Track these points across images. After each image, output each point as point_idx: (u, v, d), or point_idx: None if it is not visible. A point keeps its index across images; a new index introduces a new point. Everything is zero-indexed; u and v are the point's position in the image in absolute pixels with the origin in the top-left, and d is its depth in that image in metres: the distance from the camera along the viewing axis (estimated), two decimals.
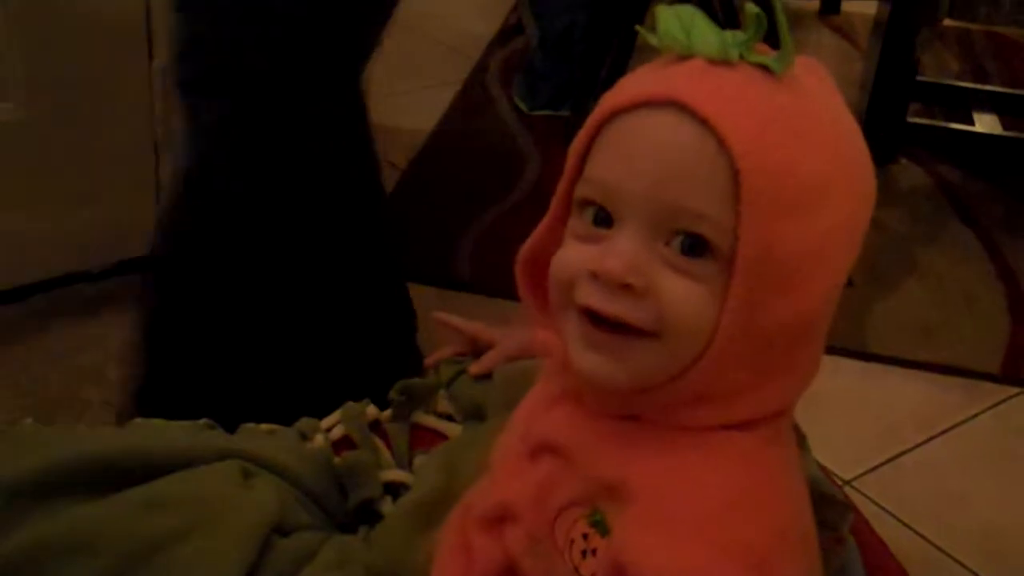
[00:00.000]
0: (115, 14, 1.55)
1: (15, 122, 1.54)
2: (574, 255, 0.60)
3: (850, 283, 1.93)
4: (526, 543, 0.64)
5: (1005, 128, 2.22)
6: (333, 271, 1.25)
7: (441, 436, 0.90)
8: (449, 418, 0.92)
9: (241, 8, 1.09)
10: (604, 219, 0.59)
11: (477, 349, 0.95)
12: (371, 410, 0.91)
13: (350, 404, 0.91)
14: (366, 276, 1.30)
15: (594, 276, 0.58)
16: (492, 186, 1.99)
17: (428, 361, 0.97)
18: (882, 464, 1.46)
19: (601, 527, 0.61)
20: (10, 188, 1.56)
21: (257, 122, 1.15)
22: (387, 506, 0.84)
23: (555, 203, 0.64)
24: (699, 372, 0.58)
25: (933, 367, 1.65)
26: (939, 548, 1.33)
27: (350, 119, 1.21)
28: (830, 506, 0.77)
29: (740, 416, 0.60)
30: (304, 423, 0.89)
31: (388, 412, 0.92)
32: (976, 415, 1.57)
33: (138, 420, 0.87)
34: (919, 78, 2.22)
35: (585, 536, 0.62)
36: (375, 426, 0.91)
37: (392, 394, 0.92)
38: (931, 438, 1.52)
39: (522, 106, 2.26)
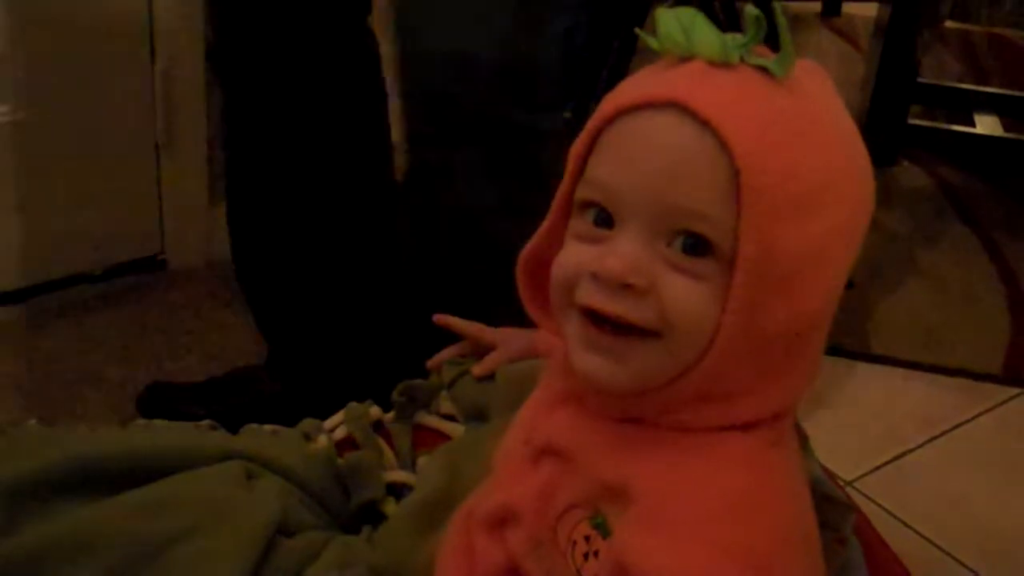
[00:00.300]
0: (117, 16, 1.55)
1: (16, 123, 1.54)
2: (575, 256, 0.60)
3: (851, 285, 1.93)
4: (528, 545, 0.64)
5: (1006, 129, 2.22)
6: (336, 243, 1.25)
7: (444, 437, 0.90)
8: (452, 419, 0.92)
9: None
10: (605, 220, 0.59)
11: (479, 350, 0.95)
12: (374, 411, 0.91)
13: (353, 405, 0.91)
14: (372, 258, 1.30)
15: (595, 276, 0.58)
16: None
17: (430, 363, 0.97)
18: (883, 465, 1.46)
19: (603, 529, 0.61)
20: (11, 190, 1.57)
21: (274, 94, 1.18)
22: (390, 507, 0.84)
23: (556, 205, 0.64)
24: (700, 373, 0.58)
25: (934, 368, 1.65)
26: (940, 548, 1.33)
27: (358, 75, 1.22)
28: (832, 507, 0.77)
29: (742, 417, 0.60)
30: (307, 424, 0.89)
31: (391, 413, 0.92)
32: (977, 416, 1.57)
33: (140, 421, 0.87)
34: (920, 80, 2.22)
35: (587, 538, 0.62)
36: (378, 427, 0.91)
37: (394, 395, 0.92)
38: (932, 438, 1.52)
39: None
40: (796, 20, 2.69)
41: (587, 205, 0.60)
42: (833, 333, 0.63)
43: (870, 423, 1.53)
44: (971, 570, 1.31)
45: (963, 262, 1.91)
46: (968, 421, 1.56)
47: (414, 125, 1.17)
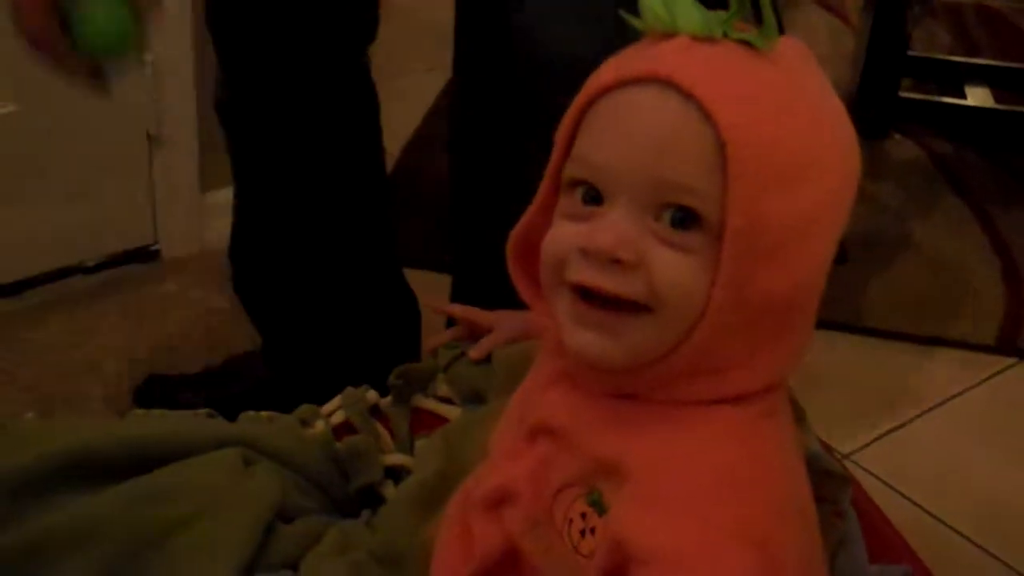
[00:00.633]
0: None
1: (9, 117, 1.54)
2: (564, 234, 0.60)
3: (845, 259, 1.93)
4: (525, 524, 0.64)
5: (997, 101, 2.22)
6: (337, 257, 1.26)
7: (441, 419, 0.90)
8: (449, 402, 0.92)
9: None
10: (594, 197, 0.60)
11: (475, 333, 0.95)
12: (371, 395, 0.92)
13: (350, 389, 0.92)
14: (368, 264, 1.31)
15: (585, 252, 0.58)
16: None
17: (427, 346, 0.98)
18: (879, 437, 1.47)
19: (599, 506, 0.61)
20: (4, 183, 1.56)
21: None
22: (389, 490, 0.85)
23: (544, 184, 0.64)
24: (691, 346, 0.58)
25: (929, 340, 1.66)
26: (937, 518, 1.34)
27: (358, 105, 1.23)
28: (830, 480, 0.77)
29: (734, 389, 0.60)
30: (304, 409, 0.89)
31: (388, 397, 0.92)
32: (972, 387, 1.58)
33: (138, 411, 0.87)
34: (910, 53, 2.22)
35: (583, 515, 0.62)
36: (375, 411, 0.91)
37: (391, 379, 0.92)
38: (928, 410, 1.53)
39: None
40: None
41: (575, 183, 0.60)
42: (827, 307, 0.63)
43: (865, 396, 1.54)
44: (967, 539, 1.32)
45: (956, 234, 1.91)
46: (963, 392, 1.57)
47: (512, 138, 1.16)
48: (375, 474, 0.85)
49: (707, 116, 0.56)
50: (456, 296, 1.23)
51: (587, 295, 0.59)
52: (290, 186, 1.25)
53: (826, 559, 0.68)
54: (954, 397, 1.55)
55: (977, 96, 2.23)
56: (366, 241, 1.31)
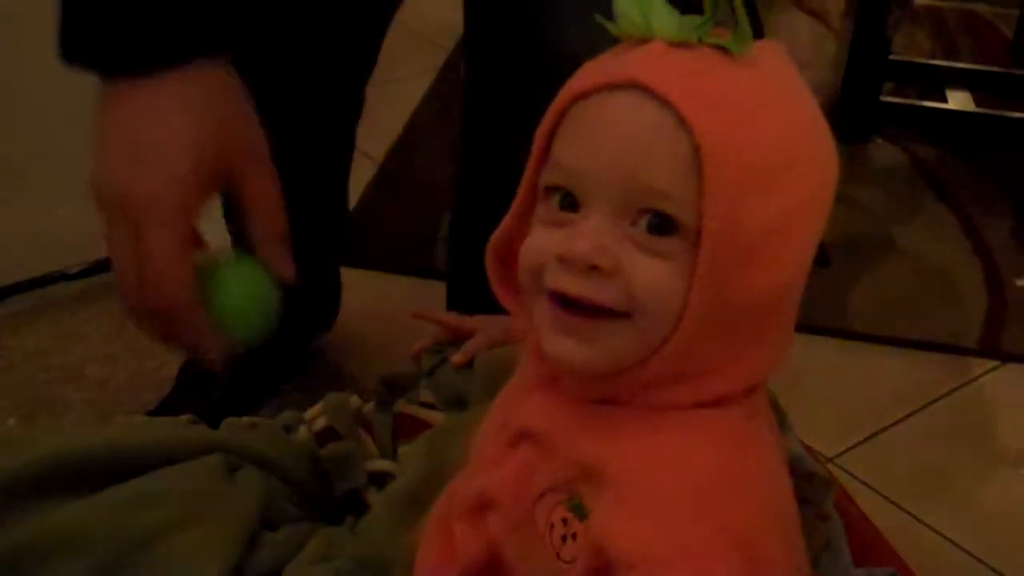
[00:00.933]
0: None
1: None
2: (542, 241, 0.60)
3: (827, 263, 1.93)
4: (507, 530, 0.64)
5: (978, 105, 2.23)
6: None
7: (424, 425, 0.90)
8: (432, 407, 0.92)
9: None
10: (570, 204, 0.60)
11: (458, 338, 0.95)
12: (354, 400, 0.92)
13: (332, 395, 0.91)
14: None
15: (562, 259, 0.59)
16: None
17: (411, 352, 0.98)
18: (863, 441, 1.47)
19: (579, 511, 0.61)
20: None
21: None
22: (372, 496, 0.85)
23: (522, 191, 0.64)
24: (671, 351, 0.58)
25: (912, 343, 1.66)
26: (921, 521, 1.34)
27: (344, 116, 1.24)
28: (813, 483, 0.78)
29: (714, 392, 0.61)
30: (287, 415, 0.89)
31: (371, 403, 0.92)
32: (955, 389, 1.58)
33: (121, 417, 0.87)
34: (892, 57, 2.23)
35: (565, 521, 0.62)
36: (358, 417, 0.91)
37: (374, 384, 0.92)
38: (911, 413, 1.53)
39: None
40: (768, 1, 2.69)
41: (552, 189, 0.61)
42: (809, 311, 0.63)
43: (848, 400, 1.54)
44: (952, 542, 1.32)
45: (938, 237, 1.92)
46: (946, 395, 1.57)
47: None
48: (359, 480, 0.85)
49: (682, 121, 0.57)
50: (452, 300, 1.24)
51: (565, 302, 0.59)
52: None
53: (809, 562, 0.68)
54: (937, 400, 1.56)
55: (958, 100, 2.23)
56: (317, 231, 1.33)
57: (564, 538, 0.62)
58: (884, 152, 2.16)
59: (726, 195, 0.56)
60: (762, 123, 0.58)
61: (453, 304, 1.21)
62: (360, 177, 1.43)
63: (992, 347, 1.66)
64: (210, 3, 0.78)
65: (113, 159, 0.77)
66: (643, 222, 0.58)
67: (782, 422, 0.78)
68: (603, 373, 0.60)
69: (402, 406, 0.92)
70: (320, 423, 0.89)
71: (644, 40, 0.60)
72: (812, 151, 0.61)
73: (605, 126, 0.58)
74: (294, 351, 1.43)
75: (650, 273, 0.57)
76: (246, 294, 0.79)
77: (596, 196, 0.58)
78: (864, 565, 0.81)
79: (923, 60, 2.41)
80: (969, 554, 1.31)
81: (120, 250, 0.77)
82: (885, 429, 1.50)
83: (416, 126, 2.13)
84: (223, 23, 0.79)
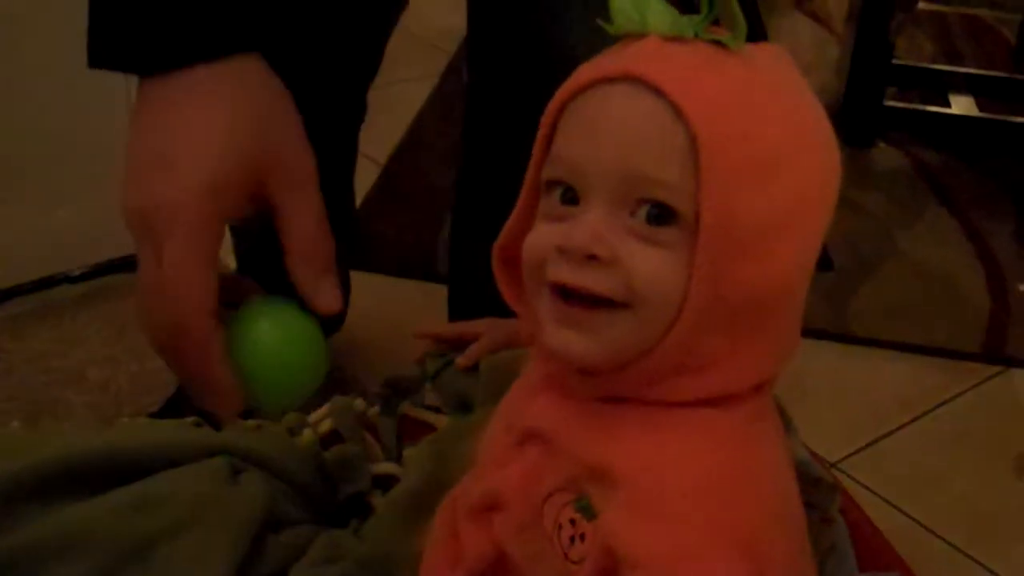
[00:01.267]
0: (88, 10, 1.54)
1: None
2: (543, 234, 0.61)
3: (830, 267, 1.93)
4: (514, 531, 0.64)
5: (981, 110, 2.23)
6: None
7: (429, 428, 0.90)
8: (437, 410, 0.92)
9: None
10: (571, 198, 0.60)
11: (463, 343, 0.95)
12: (359, 404, 0.91)
13: (336, 398, 0.91)
14: None
15: (561, 251, 0.59)
16: None
17: (415, 356, 0.98)
18: (867, 446, 1.47)
19: (587, 512, 0.61)
20: None
21: None
22: (377, 499, 0.84)
23: (525, 189, 0.64)
24: (671, 342, 0.58)
25: (915, 348, 1.66)
26: (926, 527, 1.34)
27: (347, 123, 1.24)
28: (818, 487, 0.78)
29: (720, 388, 0.61)
30: (291, 418, 0.89)
31: (375, 406, 0.92)
32: (959, 394, 1.58)
33: (124, 420, 0.87)
34: (895, 62, 2.23)
35: (572, 521, 0.62)
36: (362, 420, 0.91)
37: (378, 388, 0.92)
38: (915, 418, 1.53)
39: None
40: (770, 4, 2.69)
41: (553, 184, 0.61)
42: (813, 315, 0.63)
43: (852, 405, 1.54)
44: (955, 547, 1.32)
45: (941, 241, 1.92)
46: (950, 400, 1.57)
47: None
48: (363, 483, 0.84)
49: (677, 111, 0.57)
50: (453, 302, 1.24)
51: (567, 294, 0.59)
52: None
53: (815, 565, 0.68)
54: (941, 405, 1.56)
55: (961, 104, 2.24)
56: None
57: (572, 539, 0.61)
58: (887, 156, 2.16)
59: (723, 184, 0.57)
60: (758, 116, 0.59)
61: (455, 306, 1.21)
62: (363, 180, 1.43)
63: (995, 352, 1.66)
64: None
65: (142, 167, 0.74)
66: (642, 212, 0.58)
67: (787, 426, 0.78)
68: (604, 366, 0.60)
69: (407, 409, 0.92)
70: (324, 426, 0.89)
71: (641, 36, 0.60)
72: (811, 147, 0.61)
73: (601, 118, 0.59)
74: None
75: (649, 263, 0.57)
76: (283, 337, 0.71)
77: (595, 188, 0.59)
78: (869, 570, 0.81)
79: (926, 65, 2.41)
80: (972, 559, 1.31)
81: (144, 274, 0.72)
82: (888, 434, 1.50)
83: (419, 130, 2.14)
84: (256, 16, 0.75)
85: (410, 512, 0.78)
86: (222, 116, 0.72)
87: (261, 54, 0.77)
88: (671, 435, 0.60)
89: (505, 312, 0.67)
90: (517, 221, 0.65)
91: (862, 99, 2.16)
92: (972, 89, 2.28)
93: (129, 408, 1.44)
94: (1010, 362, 1.65)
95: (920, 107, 2.25)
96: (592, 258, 0.58)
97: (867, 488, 1.38)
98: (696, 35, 0.59)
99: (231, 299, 0.76)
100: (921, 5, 2.62)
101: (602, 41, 0.62)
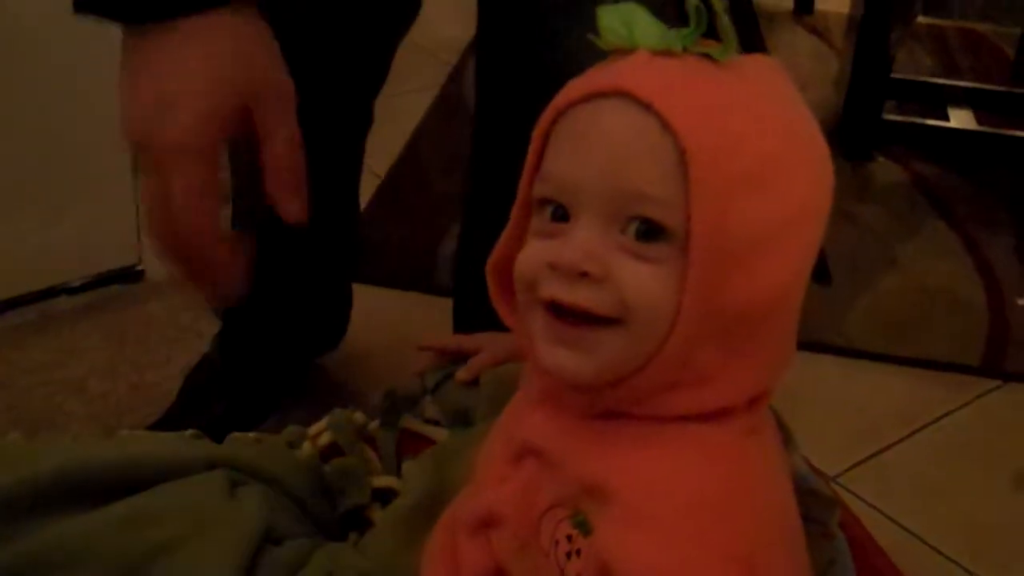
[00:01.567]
0: (91, 25, 1.54)
1: None
2: (535, 252, 0.61)
3: (828, 280, 1.92)
4: (512, 546, 0.64)
5: (980, 123, 2.23)
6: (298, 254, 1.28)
7: (429, 441, 0.90)
8: (436, 423, 0.92)
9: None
10: (562, 215, 0.60)
11: (463, 357, 0.95)
12: (358, 417, 0.91)
13: (336, 411, 0.91)
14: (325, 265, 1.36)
15: (553, 268, 0.59)
16: None
17: (415, 369, 0.98)
18: (866, 460, 1.47)
19: (584, 527, 0.61)
20: None
21: None
22: (376, 513, 0.84)
23: (517, 206, 0.64)
24: (665, 357, 0.58)
25: (914, 362, 1.66)
26: (925, 542, 1.34)
27: (354, 130, 1.26)
28: (817, 501, 0.78)
29: (715, 402, 0.60)
30: (291, 431, 0.89)
31: (375, 420, 0.92)
32: (958, 408, 1.58)
33: (124, 432, 0.87)
34: (894, 75, 2.23)
35: (569, 537, 0.62)
36: (362, 433, 0.91)
37: (378, 401, 0.92)
38: (914, 432, 1.53)
39: None
40: (768, 18, 2.70)
41: (544, 202, 0.61)
42: (811, 329, 0.63)
43: (851, 418, 1.54)
44: (955, 562, 1.32)
45: (940, 255, 1.92)
46: (949, 414, 1.57)
47: None
48: (363, 496, 0.84)
49: (665, 125, 0.57)
50: (459, 316, 1.24)
51: (559, 312, 0.59)
52: None
53: None
54: (939, 419, 1.56)
55: (960, 118, 2.24)
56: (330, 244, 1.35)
57: (569, 554, 0.61)
58: (886, 170, 2.17)
59: (712, 197, 0.57)
60: (749, 127, 0.59)
61: (460, 320, 1.22)
62: (363, 192, 1.44)
63: (994, 366, 1.66)
64: None
65: (136, 108, 0.79)
66: (632, 229, 0.58)
67: (787, 440, 0.78)
68: (599, 382, 0.60)
69: (406, 422, 0.92)
70: (324, 439, 0.89)
71: (629, 51, 0.60)
72: (803, 159, 0.61)
73: (589, 134, 0.59)
74: (299, 367, 1.43)
75: (640, 279, 0.57)
76: None
77: (584, 205, 0.59)
78: None
79: (925, 78, 2.42)
80: (971, 573, 1.31)
81: (148, 188, 0.80)
82: (887, 448, 1.50)
83: (419, 141, 2.14)
84: None
85: (409, 526, 0.78)
86: (215, 55, 0.79)
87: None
88: (665, 450, 0.60)
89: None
90: (510, 238, 0.65)
91: (861, 112, 2.16)
92: (971, 103, 2.29)
93: (129, 419, 1.44)
94: (1009, 376, 1.65)
95: (919, 120, 2.25)
96: (584, 275, 0.58)
97: (866, 502, 1.38)
98: (685, 49, 0.60)
99: None
100: (920, 19, 2.63)
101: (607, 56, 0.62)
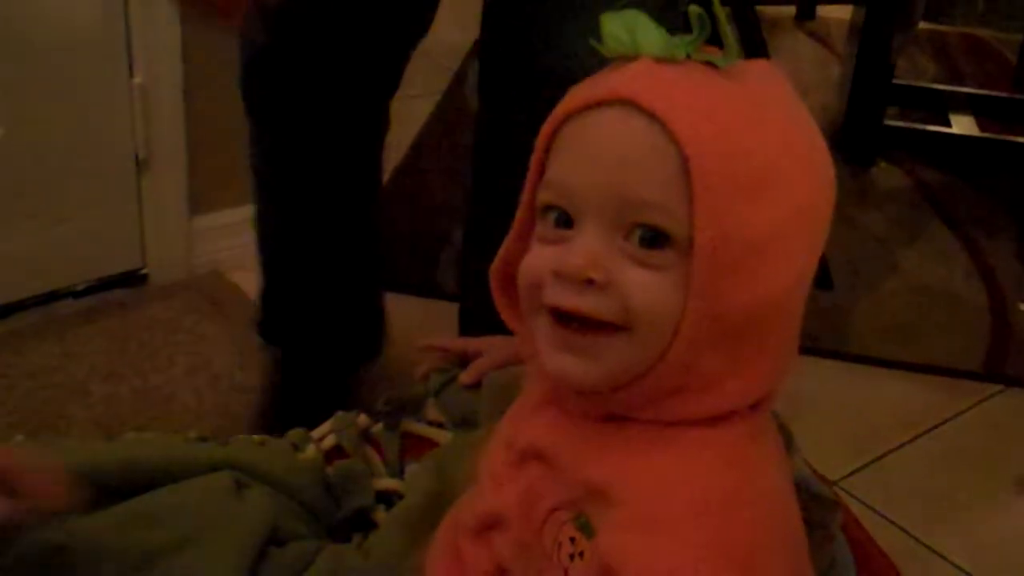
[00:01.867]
0: (94, 31, 1.55)
1: None
2: (538, 258, 0.61)
3: (831, 285, 1.92)
4: (515, 549, 0.64)
5: (981, 129, 2.24)
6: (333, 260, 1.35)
7: (432, 443, 0.90)
8: (440, 426, 0.92)
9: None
10: (566, 221, 0.60)
11: (466, 360, 0.95)
12: (362, 419, 0.92)
13: (341, 414, 0.92)
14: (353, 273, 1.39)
15: (557, 275, 0.59)
16: None
17: (417, 372, 0.98)
18: (868, 464, 1.47)
19: (587, 530, 0.61)
20: None
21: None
22: (380, 514, 0.85)
23: (521, 212, 0.65)
24: (669, 362, 0.58)
25: (916, 367, 1.66)
26: (926, 546, 1.34)
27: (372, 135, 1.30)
28: (819, 504, 0.78)
29: (718, 407, 0.61)
30: (295, 434, 0.89)
31: (379, 422, 0.92)
32: (960, 413, 1.58)
33: (129, 434, 0.87)
34: (895, 81, 2.24)
35: (572, 539, 0.62)
36: (366, 435, 0.91)
37: (381, 404, 0.92)
38: (915, 437, 1.53)
39: None
40: (771, 24, 2.70)
41: (548, 208, 0.61)
42: (814, 334, 0.64)
43: (853, 423, 1.54)
44: (956, 566, 1.32)
45: (942, 260, 1.92)
46: (951, 419, 1.57)
47: None
48: (366, 498, 0.85)
49: (668, 132, 0.57)
50: (464, 321, 1.24)
51: (564, 318, 0.59)
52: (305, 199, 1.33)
53: None
54: (941, 424, 1.56)
55: (962, 124, 2.25)
56: (356, 251, 1.39)
57: (572, 556, 0.62)
58: (888, 175, 2.17)
59: (715, 203, 0.57)
60: (750, 133, 0.59)
61: (465, 324, 1.22)
62: None
63: (996, 371, 1.67)
64: None
65: None
66: (635, 235, 0.58)
67: (788, 444, 0.78)
68: (604, 387, 0.60)
69: (410, 425, 0.92)
70: (328, 441, 0.89)
71: (632, 58, 0.60)
72: (804, 163, 0.61)
73: (593, 142, 0.59)
74: (339, 381, 1.42)
75: (644, 285, 0.58)
76: None
77: (588, 212, 0.59)
78: None
79: (927, 84, 2.42)
80: None
81: None
82: (889, 452, 1.50)
83: (421, 147, 2.14)
84: None
85: (413, 528, 0.78)
86: None
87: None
88: (668, 454, 0.60)
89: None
90: (513, 243, 0.65)
91: (863, 118, 2.16)
92: (972, 109, 2.29)
93: (132, 422, 1.44)
94: (1011, 381, 1.65)
95: (921, 126, 2.26)
96: (588, 282, 0.58)
97: (867, 506, 1.38)
98: (688, 56, 0.60)
99: None
100: (922, 25, 2.63)
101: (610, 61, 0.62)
